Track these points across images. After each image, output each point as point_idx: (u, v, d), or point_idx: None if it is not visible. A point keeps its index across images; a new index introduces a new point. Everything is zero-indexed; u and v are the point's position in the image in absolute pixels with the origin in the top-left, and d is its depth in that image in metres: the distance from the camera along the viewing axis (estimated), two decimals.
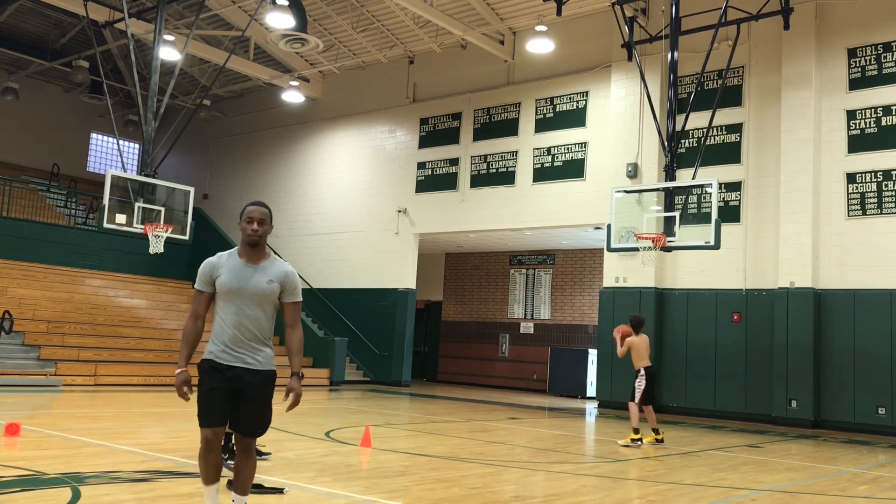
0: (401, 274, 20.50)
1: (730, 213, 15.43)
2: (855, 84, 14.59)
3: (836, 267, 14.38)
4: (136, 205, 15.40)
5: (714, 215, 12.59)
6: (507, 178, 18.84)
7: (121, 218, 15.25)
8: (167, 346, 17.70)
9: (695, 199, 15.49)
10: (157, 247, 15.48)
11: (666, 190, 13.31)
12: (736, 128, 15.78)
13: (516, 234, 19.50)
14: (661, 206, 13.28)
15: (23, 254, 19.89)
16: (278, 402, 4.30)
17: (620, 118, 16.96)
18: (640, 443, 10.12)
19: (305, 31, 17.30)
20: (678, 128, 13.96)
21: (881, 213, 14.05)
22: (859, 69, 14.59)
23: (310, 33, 17.84)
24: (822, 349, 14.32)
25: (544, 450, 9.69)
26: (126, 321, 18.63)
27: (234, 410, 4.33)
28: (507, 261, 23.08)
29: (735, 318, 15.34)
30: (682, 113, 14.44)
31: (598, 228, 17.30)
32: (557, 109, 18.34)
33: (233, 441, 4.52)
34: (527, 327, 22.39)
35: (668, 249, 13.18)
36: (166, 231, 15.54)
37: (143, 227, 15.38)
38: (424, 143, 20.57)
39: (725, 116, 15.64)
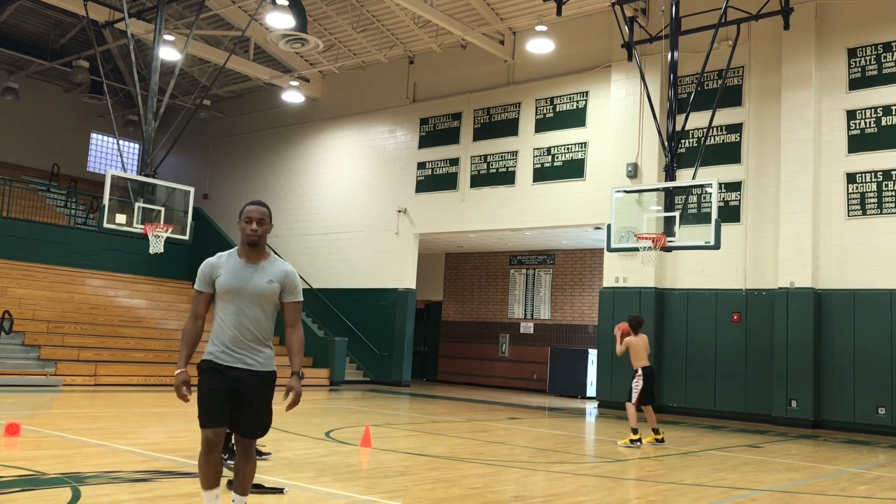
0: (401, 274, 20.51)
1: (730, 213, 15.43)
2: (855, 84, 14.60)
3: (836, 267, 14.38)
4: (136, 205, 15.40)
5: (714, 215, 12.59)
6: (507, 178, 18.84)
7: (121, 218, 15.25)
8: (167, 346, 17.70)
9: (695, 199, 15.49)
10: (157, 247, 15.48)
11: (666, 190, 13.31)
12: (736, 128, 15.79)
13: (516, 234, 19.50)
14: (661, 206, 13.28)
15: (23, 254, 19.89)
16: (278, 402, 4.29)
17: (620, 118, 16.97)
18: (639, 443, 10.12)
19: (305, 31, 17.30)
20: (678, 128, 13.97)
21: (881, 213, 14.05)
22: (859, 69, 14.59)
23: (310, 33, 17.84)
24: (822, 349, 14.32)
25: (544, 450, 9.69)
26: (126, 321, 18.63)
27: (234, 411, 4.31)
28: (507, 261, 23.08)
29: (735, 318, 15.34)
30: (682, 113, 14.44)
31: (598, 228, 17.30)
32: (557, 109, 18.34)
33: (232, 441, 4.50)
34: (527, 327, 22.39)
35: (668, 249, 13.18)
36: (166, 231, 15.54)
37: (143, 227, 15.38)
38: (424, 143, 20.57)
39: (725, 116, 15.64)
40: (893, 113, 14.17)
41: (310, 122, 23.34)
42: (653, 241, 12.79)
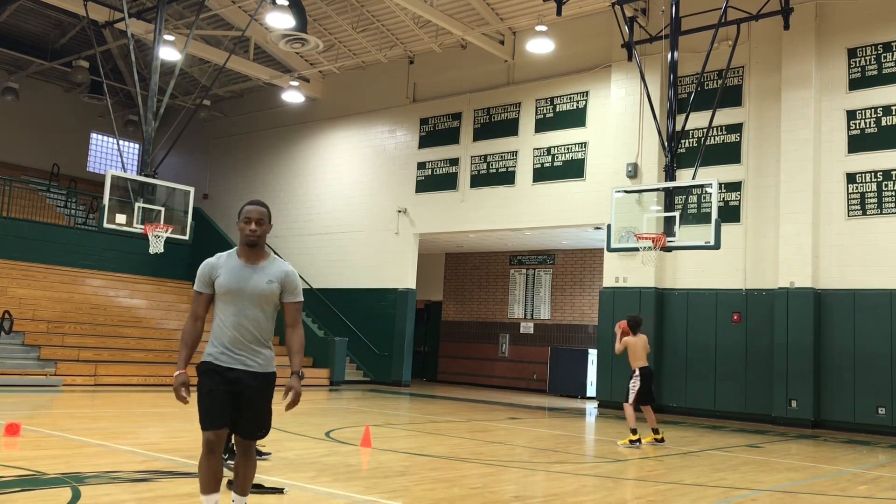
0: (401, 274, 20.51)
1: (730, 213, 15.43)
2: (855, 84, 14.59)
3: (836, 267, 14.38)
4: (136, 205, 15.40)
5: (714, 215, 12.59)
6: (507, 178, 18.84)
7: (121, 218, 15.25)
8: (167, 346, 17.70)
9: (695, 199, 15.49)
10: (157, 247, 15.48)
11: (666, 190, 13.31)
12: (736, 128, 15.79)
13: (516, 234, 19.50)
14: (661, 206, 13.28)
15: (23, 254, 19.89)
16: (278, 402, 4.28)
17: (620, 118, 16.97)
18: (638, 444, 10.11)
19: (305, 31, 17.30)
20: (678, 128, 13.97)
21: (881, 213, 14.05)
22: (859, 69, 14.59)
23: (310, 33, 17.84)
24: (822, 349, 14.32)
25: (544, 450, 9.69)
26: (126, 321, 18.63)
27: (233, 413, 4.28)
28: (507, 261, 23.08)
29: (735, 318, 15.33)
30: (682, 113, 14.44)
31: (598, 228, 17.30)
32: (557, 109, 18.34)
33: (232, 441, 4.49)
34: (527, 327, 22.39)
35: (668, 249, 13.18)
36: (166, 231, 15.54)
37: (143, 227, 15.38)
38: (424, 143, 20.57)
39: (725, 116, 15.64)
40: (893, 113, 14.17)
41: (310, 122, 23.34)
42: (653, 241, 12.79)
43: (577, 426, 13.48)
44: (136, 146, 27.41)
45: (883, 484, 8.24)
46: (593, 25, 17.86)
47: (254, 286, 4.32)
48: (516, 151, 18.81)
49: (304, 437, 9.20)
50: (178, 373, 4.26)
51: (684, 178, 15.17)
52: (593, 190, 17.20)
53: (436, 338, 24.42)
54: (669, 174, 13.53)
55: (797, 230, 14.63)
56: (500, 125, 19.23)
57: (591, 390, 19.20)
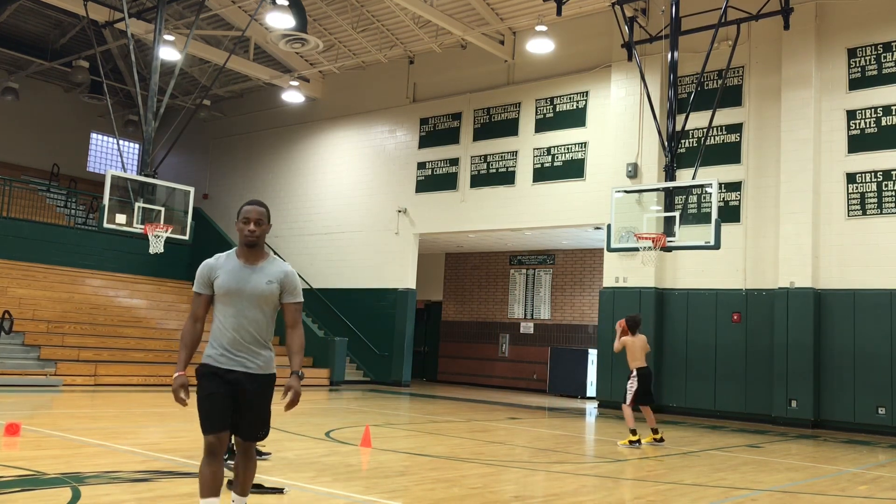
0: (401, 274, 20.51)
1: (730, 213, 15.43)
2: (855, 84, 14.59)
3: (836, 267, 14.38)
4: (136, 205, 15.40)
5: (714, 215, 12.59)
6: (507, 178, 18.84)
7: (121, 218, 15.25)
8: (167, 346, 17.70)
9: (695, 199, 15.49)
10: (157, 247, 15.48)
11: (666, 190, 13.31)
12: (736, 128, 15.79)
13: (516, 234, 19.50)
14: (661, 206, 13.28)
15: (23, 254, 19.89)
16: (277, 402, 4.26)
17: (620, 118, 16.97)
18: (638, 444, 10.10)
19: (305, 31, 17.30)
20: (678, 128, 13.97)
21: (881, 213, 14.05)
22: (859, 69, 14.59)
23: (310, 33, 17.84)
24: (822, 349, 14.32)
25: (544, 450, 9.69)
26: (126, 321, 18.63)
27: (233, 415, 4.25)
28: (507, 261, 23.08)
29: (735, 318, 15.33)
30: (682, 113, 14.44)
31: (598, 228, 17.30)
32: (557, 109, 18.34)
33: (232, 441, 4.48)
34: (527, 327, 22.39)
35: (668, 249, 13.18)
36: (166, 231, 15.54)
37: (143, 227, 15.38)
38: (424, 143, 20.57)
39: (725, 116, 15.64)
40: (893, 113, 14.17)
41: (310, 122, 23.34)
42: (653, 241, 12.79)
43: (577, 426, 13.48)
44: (136, 146, 27.41)
45: (883, 484, 8.24)
46: (593, 25, 17.86)
47: (253, 287, 4.29)
48: (516, 151, 18.81)
49: (304, 437, 9.20)
50: (177, 374, 4.22)
51: (684, 178, 15.17)
52: (593, 190, 17.20)
53: (436, 338, 24.42)
54: (669, 174, 13.53)
55: (797, 230, 14.63)
56: (500, 125, 19.23)
57: (591, 390, 19.20)
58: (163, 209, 15.74)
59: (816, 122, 14.78)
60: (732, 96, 15.78)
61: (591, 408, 17.03)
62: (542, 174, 18.27)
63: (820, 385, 14.22)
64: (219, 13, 20.41)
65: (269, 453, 7.47)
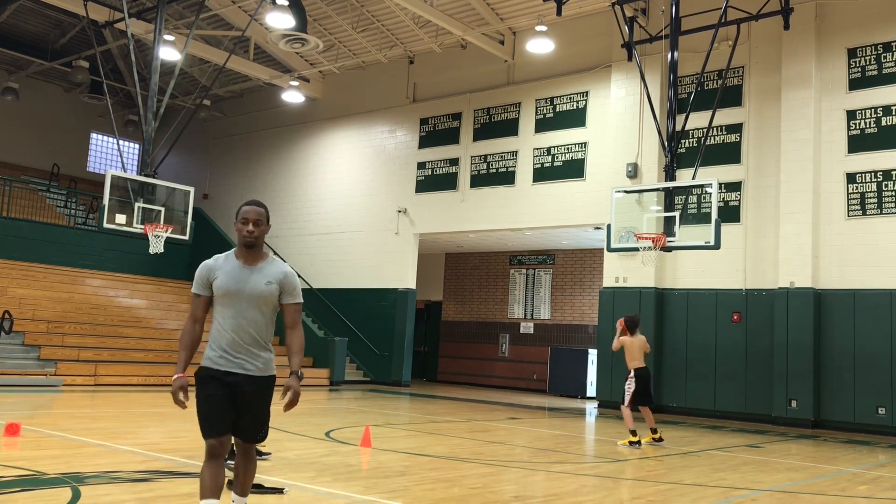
0: (401, 274, 20.51)
1: (730, 213, 15.43)
2: (855, 84, 14.59)
3: (836, 267, 14.38)
4: (136, 205, 15.40)
5: (714, 215, 12.59)
6: (507, 178, 18.84)
7: (121, 218, 15.25)
8: (167, 346, 17.70)
9: (695, 199, 15.49)
10: (157, 247, 15.48)
11: (666, 190, 13.31)
12: (736, 128, 15.79)
13: (516, 234, 19.50)
14: (661, 206, 13.28)
15: (23, 254, 19.89)
16: (277, 403, 4.26)
17: (620, 118, 16.97)
18: (638, 445, 10.09)
19: (305, 31, 17.30)
20: (678, 128, 13.97)
21: (881, 213, 14.05)
22: (859, 69, 14.59)
23: (310, 33, 17.84)
24: (822, 349, 14.32)
25: (544, 450, 9.69)
26: (126, 321, 18.63)
27: (234, 416, 4.25)
28: (507, 261, 23.08)
29: (735, 318, 15.33)
30: (682, 113, 14.44)
31: (598, 228, 17.30)
32: (557, 109, 18.34)
33: (232, 441, 4.48)
34: (527, 327, 22.39)
35: (668, 249, 13.18)
36: (166, 231, 15.55)
37: (143, 227, 15.38)
38: (424, 143, 20.58)
39: (725, 116, 15.64)
40: (893, 113, 14.17)
41: (310, 122, 23.34)
42: (653, 241, 12.79)
43: (577, 426, 13.49)
44: (136, 146, 27.41)
45: (883, 484, 8.24)
46: (593, 25, 17.86)
47: (252, 288, 4.27)
48: (516, 151, 18.81)
49: (304, 437, 9.21)
50: (176, 376, 4.20)
51: (684, 178, 15.17)
52: (593, 190, 17.20)
53: (436, 338, 24.43)
54: (669, 174, 13.53)
55: (797, 230, 14.63)
56: (500, 125, 19.23)
57: (591, 390, 19.20)
58: (163, 209, 15.74)
59: (816, 122, 14.78)
60: (732, 96, 15.78)
61: (591, 408, 17.03)
62: (542, 174, 18.27)
63: (820, 385, 14.23)
64: (219, 13, 20.42)
65: (269, 453, 7.47)
